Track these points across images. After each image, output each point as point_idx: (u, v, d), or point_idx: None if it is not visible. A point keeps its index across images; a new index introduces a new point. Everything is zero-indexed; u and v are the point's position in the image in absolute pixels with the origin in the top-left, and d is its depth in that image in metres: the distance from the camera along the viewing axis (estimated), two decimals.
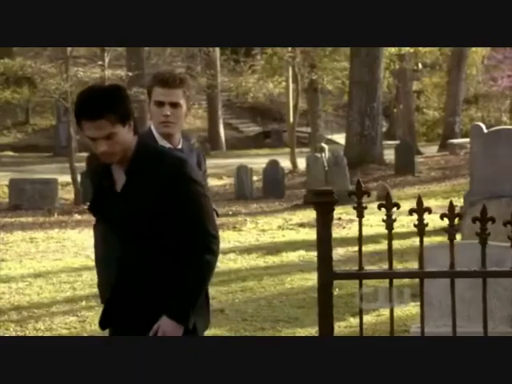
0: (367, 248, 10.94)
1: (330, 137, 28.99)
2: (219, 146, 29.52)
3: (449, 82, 28.99)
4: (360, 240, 3.26)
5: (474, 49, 30.45)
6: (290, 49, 24.11)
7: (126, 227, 3.30)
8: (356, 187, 3.17)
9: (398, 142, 26.06)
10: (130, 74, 18.19)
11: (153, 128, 3.88)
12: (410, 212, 3.19)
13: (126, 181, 3.29)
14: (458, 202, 13.79)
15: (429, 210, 3.13)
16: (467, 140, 26.65)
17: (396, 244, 10.10)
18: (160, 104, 3.77)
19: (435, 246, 6.41)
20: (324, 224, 3.15)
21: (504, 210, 8.89)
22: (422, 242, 3.22)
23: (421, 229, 3.18)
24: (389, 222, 3.19)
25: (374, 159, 20.47)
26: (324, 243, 3.16)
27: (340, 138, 29.73)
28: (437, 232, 10.22)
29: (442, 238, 10.59)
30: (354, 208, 3.18)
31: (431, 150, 27.68)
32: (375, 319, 7.35)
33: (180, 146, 3.91)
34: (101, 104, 3.10)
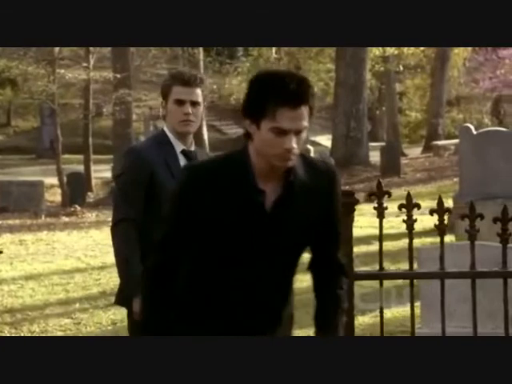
0: (360, 249, 10.94)
1: (313, 138, 29.04)
2: (202, 148, 29.45)
3: (432, 84, 29.14)
4: (380, 241, 3.28)
5: (455, 51, 30.61)
6: (274, 50, 24.17)
7: (284, 250, 2.74)
8: (376, 187, 3.18)
9: (381, 143, 26.17)
10: (118, 75, 18.16)
11: (166, 129, 3.87)
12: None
13: (286, 196, 2.69)
14: (446, 203, 13.88)
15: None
16: (451, 141, 26.89)
17: (388, 245, 10.14)
18: (181, 103, 3.77)
19: (434, 247, 6.44)
20: (345, 225, 3.17)
21: (498, 210, 8.93)
22: (442, 242, 3.25)
23: (442, 229, 3.20)
24: (409, 223, 3.21)
25: (359, 161, 20.53)
26: (345, 244, 3.18)
27: (323, 140, 29.80)
28: (427, 233, 10.25)
29: (433, 239, 10.64)
30: (375, 208, 3.20)
31: (414, 151, 27.80)
32: (372, 320, 7.37)
33: (193, 148, 3.91)
34: (306, 91, 2.62)
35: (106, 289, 9.29)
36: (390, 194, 3.21)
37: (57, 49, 18.43)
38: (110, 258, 11.63)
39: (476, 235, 3.20)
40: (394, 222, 11.23)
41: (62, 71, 19.09)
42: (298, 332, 7.09)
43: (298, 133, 2.61)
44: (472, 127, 11.99)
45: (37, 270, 10.55)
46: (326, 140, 29.00)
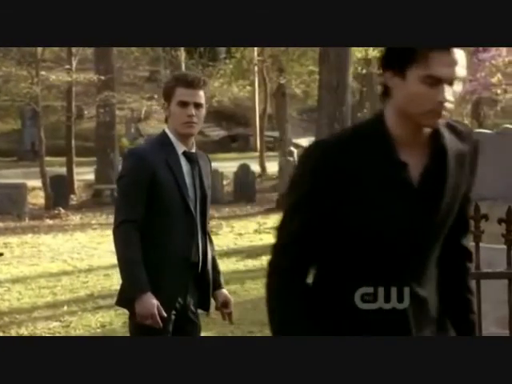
0: None
1: (295, 141, 29.08)
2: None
3: None
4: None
5: None
6: (256, 53, 24.20)
7: (432, 234, 2.26)
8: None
9: None
10: (102, 77, 18.12)
11: (167, 131, 3.86)
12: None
13: (435, 167, 2.21)
14: None
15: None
16: None
17: None
18: (184, 104, 3.76)
19: None
20: None
21: (485, 211, 8.99)
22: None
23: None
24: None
25: None
26: None
27: (306, 142, 29.83)
28: None
29: None
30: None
31: None
32: None
33: (194, 150, 3.91)
34: None
35: (93, 291, 9.27)
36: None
37: (39, 50, 18.35)
38: (97, 261, 11.66)
39: (481, 236, 3.20)
40: None
41: (43, 73, 19.00)
42: None
43: (451, 83, 2.15)
44: None
45: (23, 273, 10.50)
46: (308, 142, 28.98)
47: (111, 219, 15.14)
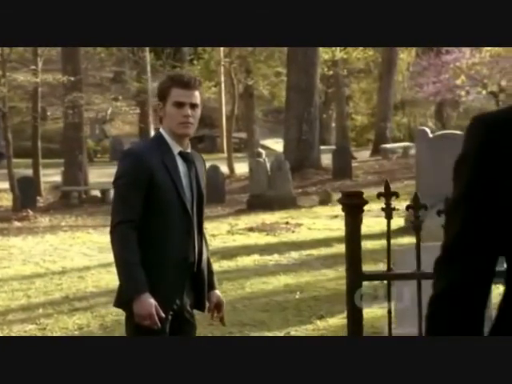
0: (320, 252, 11.02)
1: (262, 142, 29.13)
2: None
3: (380, 88, 29.44)
4: (388, 241, 3.30)
5: (400, 55, 31.02)
6: (223, 55, 24.20)
7: None
8: (384, 188, 3.20)
9: (329, 146, 26.39)
10: (72, 78, 17.99)
11: (163, 131, 3.85)
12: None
13: None
14: (399, 206, 13.96)
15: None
16: (399, 145, 27.26)
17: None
18: (180, 105, 3.76)
19: (408, 249, 6.50)
20: (353, 226, 3.18)
21: None
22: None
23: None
24: (416, 224, 3.24)
25: (311, 164, 20.62)
26: (353, 245, 3.20)
27: (272, 143, 29.89)
28: (402, 232, 10.21)
29: (409, 239, 10.69)
30: (383, 209, 3.22)
31: (362, 154, 28.05)
32: (342, 322, 7.40)
33: (189, 150, 3.91)
34: None
35: (68, 293, 9.20)
36: (397, 195, 3.23)
37: (6, 51, 18.17)
38: (70, 263, 11.54)
39: None
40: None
41: (8, 74, 18.79)
42: (267, 335, 7.15)
43: None
44: (428, 130, 12.17)
45: None
46: (274, 143, 29.09)
47: (80, 221, 15.16)
